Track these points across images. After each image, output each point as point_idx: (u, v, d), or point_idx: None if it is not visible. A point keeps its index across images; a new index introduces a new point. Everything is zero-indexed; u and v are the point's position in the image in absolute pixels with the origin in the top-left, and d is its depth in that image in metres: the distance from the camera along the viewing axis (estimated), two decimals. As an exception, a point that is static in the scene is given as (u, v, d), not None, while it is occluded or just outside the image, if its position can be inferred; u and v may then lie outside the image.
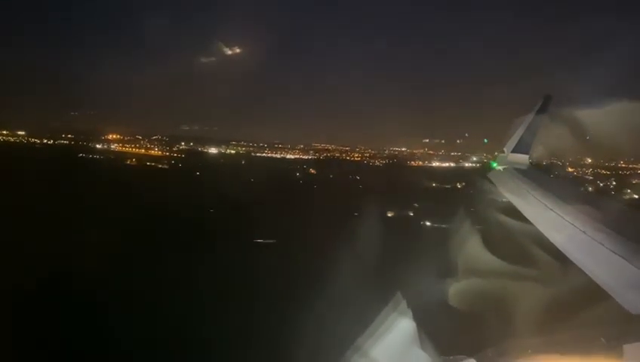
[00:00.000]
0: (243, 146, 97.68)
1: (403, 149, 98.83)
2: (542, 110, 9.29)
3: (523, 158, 9.22)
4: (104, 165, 74.18)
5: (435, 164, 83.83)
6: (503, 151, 9.63)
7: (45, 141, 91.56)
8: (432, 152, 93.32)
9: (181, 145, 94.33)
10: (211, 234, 33.65)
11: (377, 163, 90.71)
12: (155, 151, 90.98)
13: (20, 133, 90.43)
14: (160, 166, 78.73)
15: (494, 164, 9.66)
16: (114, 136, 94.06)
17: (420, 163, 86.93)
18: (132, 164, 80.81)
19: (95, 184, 48.64)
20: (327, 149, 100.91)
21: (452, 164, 79.66)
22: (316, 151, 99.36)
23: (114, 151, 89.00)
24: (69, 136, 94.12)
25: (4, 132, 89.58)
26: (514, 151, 9.36)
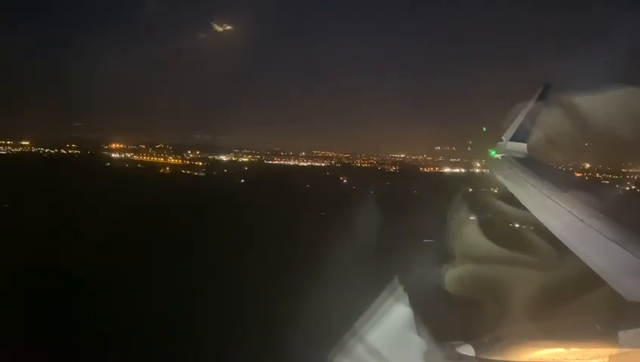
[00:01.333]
0: (248, 154, 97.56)
1: (402, 155, 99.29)
2: (541, 98, 9.21)
3: (521, 147, 9.17)
4: (143, 175, 73.04)
5: (447, 169, 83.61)
6: (502, 140, 9.58)
7: (58, 151, 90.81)
8: (430, 158, 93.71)
9: (189, 154, 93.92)
10: (382, 235, 29.38)
11: (391, 169, 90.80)
12: (174, 160, 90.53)
13: (24, 143, 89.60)
14: (196, 174, 78.46)
15: (493, 152, 9.61)
16: (117, 145, 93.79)
17: (432, 169, 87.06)
18: (167, 172, 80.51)
19: (172, 195, 47.84)
20: (327, 156, 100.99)
21: (463, 170, 79.34)
22: (320, 158, 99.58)
23: (134, 160, 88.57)
24: (73, 145, 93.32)
25: (9, 142, 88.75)
26: (512, 139, 9.30)
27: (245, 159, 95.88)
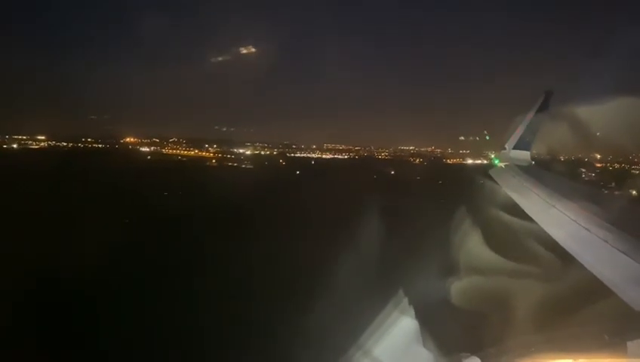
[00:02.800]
0: (261, 147, 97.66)
1: (412, 148, 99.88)
2: (543, 106, 9.24)
3: (524, 155, 9.18)
4: (200, 168, 72.47)
5: (470, 161, 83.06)
6: (505, 148, 9.60)
7: (88, 145, 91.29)
8: (439, 150, 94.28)
9: (206, 147, 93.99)
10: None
11: (416, 161, 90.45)
12: (207, 153, 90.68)
13: (40, 137, 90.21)
14: (244, 166, 78.45)
15: (496, 161, 9.63)
16: (132, 139, 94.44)
17: (457, 160, 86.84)
18: (213, 165, 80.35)
19: (259, 188, 46.32)
20: (340, 149, 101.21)
21: (485, 161, 78.76)
22: (337, 150, 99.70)
23: (168, 154, 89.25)
24: (89, 139, 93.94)
25: (24, 136, 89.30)
26: (515, 148, 9.32)
27: (267, 152, 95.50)
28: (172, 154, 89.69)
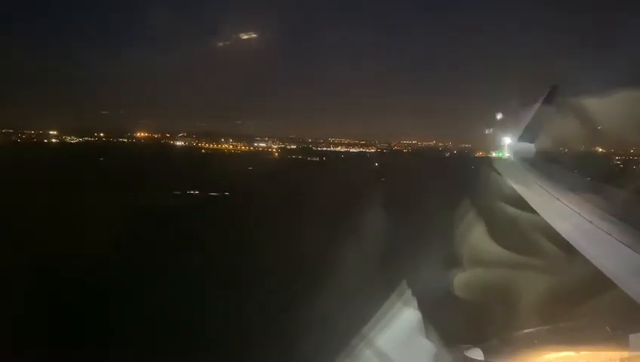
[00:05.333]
0: (283, 141, 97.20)
1: (414, 142, 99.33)
2: (548, 100, 9.18)
3: (529, 147, 9.14)
4: (272, 161, 72.24)
5: (494, 154, 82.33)
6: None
7: (119, 140, 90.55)
8: (441, 144, 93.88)
9: (223, 141, 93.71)
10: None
11: (446, 155, 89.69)
12: (243, 147, 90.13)
13: (52, 132, 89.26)
14: (309, 159, 76.55)
15: (501, 153, 9.60)
16: (142, 134, 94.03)
17: (481, 154, 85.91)
18: (276, 158, 78.90)
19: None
20: (344, 143, 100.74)
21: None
22: (358, 145, 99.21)
23: (206, 148, 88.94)
24: (101, 134, 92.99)
25: (48, 132, 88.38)
26: (520, 140, 9.28)
27: (294, 146, 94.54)
28: (216, 149, 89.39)
